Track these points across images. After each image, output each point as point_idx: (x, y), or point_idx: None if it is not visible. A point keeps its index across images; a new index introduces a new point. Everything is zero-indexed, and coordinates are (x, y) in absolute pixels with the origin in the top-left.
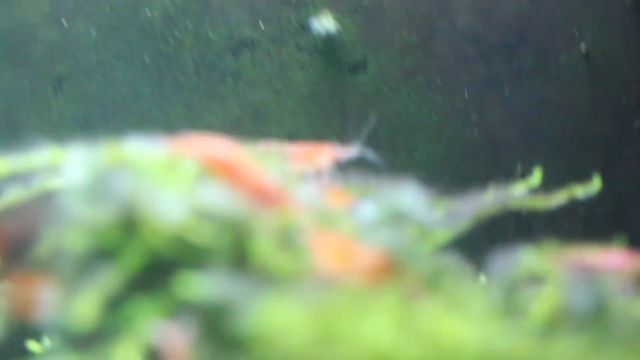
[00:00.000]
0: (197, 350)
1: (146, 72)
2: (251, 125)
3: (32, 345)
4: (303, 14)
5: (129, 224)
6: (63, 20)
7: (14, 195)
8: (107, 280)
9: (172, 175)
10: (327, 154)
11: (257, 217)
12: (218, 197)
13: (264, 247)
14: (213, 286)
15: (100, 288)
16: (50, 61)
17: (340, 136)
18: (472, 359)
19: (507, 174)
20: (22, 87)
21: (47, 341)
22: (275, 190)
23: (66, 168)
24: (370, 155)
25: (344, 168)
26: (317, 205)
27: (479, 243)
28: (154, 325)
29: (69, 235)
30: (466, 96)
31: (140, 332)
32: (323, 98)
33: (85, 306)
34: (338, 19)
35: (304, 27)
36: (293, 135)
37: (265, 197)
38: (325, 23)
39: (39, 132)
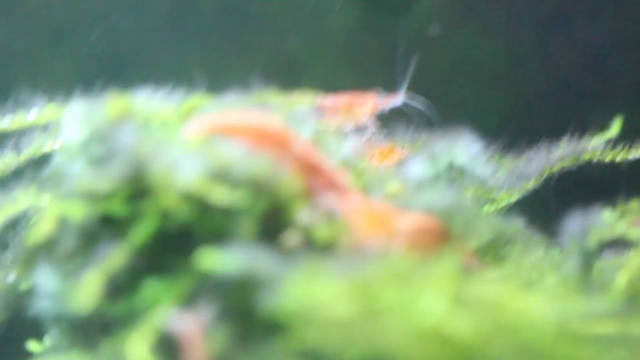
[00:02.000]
0: (218, 334)
1: (157, 20)
2: (282, 77)
3: (33, 345)
4: None
5: (137, 185)
6: None
7: (6, 158)
8: (115, 255)
9: (184, 131)
10: (369, 104)
11: (288, 178)
12: (240, 154)
13: (295, 212)
14: (238, 258)
15: (106, 266)
16: (46, 12)
17: (385, 87)
18: (545, 337)
19: (580, 124)
20: (14, 41)
21: (47, 339)
22: (309, 156)
23: (63, 125)
24: (419, 104)
25: (388, 120)
26: (358, 164)
27: (548, 205)
28: (168, 310)
29: (70, 204)
30: (531, 35)
31: (153, 318)
32: (364, 44)
33: (88, 289)
34: None
35: None
36: (331, 87)
37: (299, 164)
38: None
39: (34, 91)
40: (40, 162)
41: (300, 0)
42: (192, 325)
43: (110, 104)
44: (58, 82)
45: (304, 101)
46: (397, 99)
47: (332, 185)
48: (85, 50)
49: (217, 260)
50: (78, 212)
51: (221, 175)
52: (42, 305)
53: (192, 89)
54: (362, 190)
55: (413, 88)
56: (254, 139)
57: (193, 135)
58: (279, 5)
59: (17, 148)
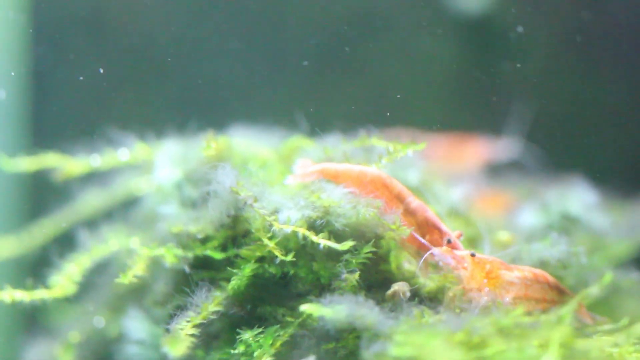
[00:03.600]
0: None
1: (257, 62)
2: (384, 116)
3: None
4: None
5: (235, 229)
6: None
7: (93, 198)
8: (210, 301)
9: (283, 174)
10: (478, 151)
11: (392, 227)
12: (344, 200)
13: (400, 261)
14: (342, 308)
15: (201, 312)
16: (144, 50)
17: (493, 131)
18: None
19: None
20: (110, 79)
21: None
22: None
23: (156, 165)
24: (531, 152)
25: (497, 166)
26: (466, 211)
27: None
28: (268, 359)
29: (163, 248)
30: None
31: None
32: (472, 85)
33: (182, 337)
34: None
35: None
36: (435, 128)
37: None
38: None
39: (125, 129)
40: (131, 202)
41: (405, 42)
42: None
43: (207, 144)
44: (150, 122)
45: (409, 145)
46: (507, 147)
47: (439, 239)
48: (181, 90)
49: (320, 309)
50: (171, 256)
51: (323, 222)
52: (131, 352)
53: (292, 130)
54: (471, 239)
55: (524, 134)
56: (359, 187)
57: (297, 178)
58: (383, 47)
59: (107, 187)
